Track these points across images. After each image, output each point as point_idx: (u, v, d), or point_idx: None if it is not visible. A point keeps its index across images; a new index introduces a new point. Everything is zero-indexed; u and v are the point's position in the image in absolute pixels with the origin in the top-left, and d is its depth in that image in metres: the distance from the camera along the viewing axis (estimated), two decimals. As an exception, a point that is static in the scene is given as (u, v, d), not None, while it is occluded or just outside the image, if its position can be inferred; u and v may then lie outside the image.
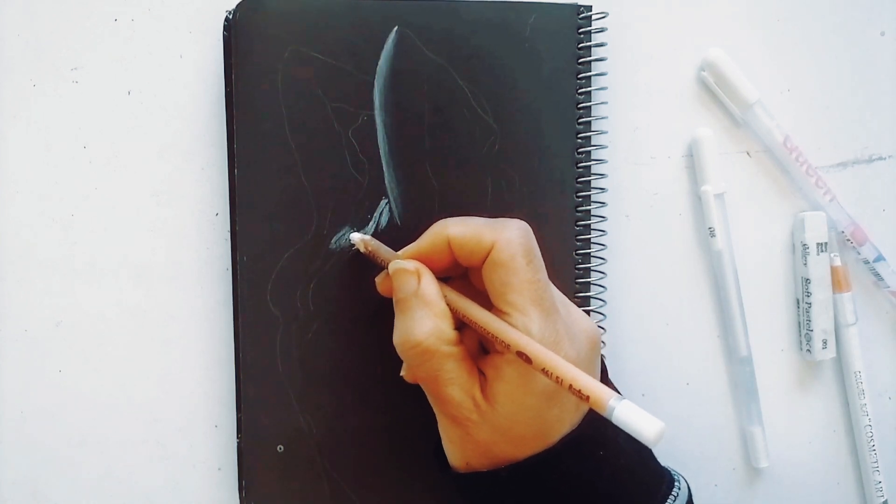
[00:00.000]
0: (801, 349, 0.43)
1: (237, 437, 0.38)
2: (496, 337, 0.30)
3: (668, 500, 0.33)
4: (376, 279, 0.36)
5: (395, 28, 0.37)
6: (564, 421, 0.31)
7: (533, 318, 0.30)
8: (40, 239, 0.39)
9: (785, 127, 0.42)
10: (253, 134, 0.37)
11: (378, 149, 0.38)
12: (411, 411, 0.39)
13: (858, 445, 0.44)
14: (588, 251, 0.40)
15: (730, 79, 0.41)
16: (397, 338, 0.32)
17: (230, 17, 0.37)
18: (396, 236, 0.37)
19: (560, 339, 0.30)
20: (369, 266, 0.38)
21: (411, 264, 0.32)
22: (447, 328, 0.31)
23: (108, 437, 0.40)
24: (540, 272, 0.31)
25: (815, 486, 0.44)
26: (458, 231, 0.32)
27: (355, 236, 0.36)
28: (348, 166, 0.37)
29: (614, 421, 0.26)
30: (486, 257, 0.31)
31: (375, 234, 0.38)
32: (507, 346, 0.30)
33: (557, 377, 0.28)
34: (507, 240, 0.31)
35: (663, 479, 0.34)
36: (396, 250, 0.36)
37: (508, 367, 0.30)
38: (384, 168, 0.38)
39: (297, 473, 0.38)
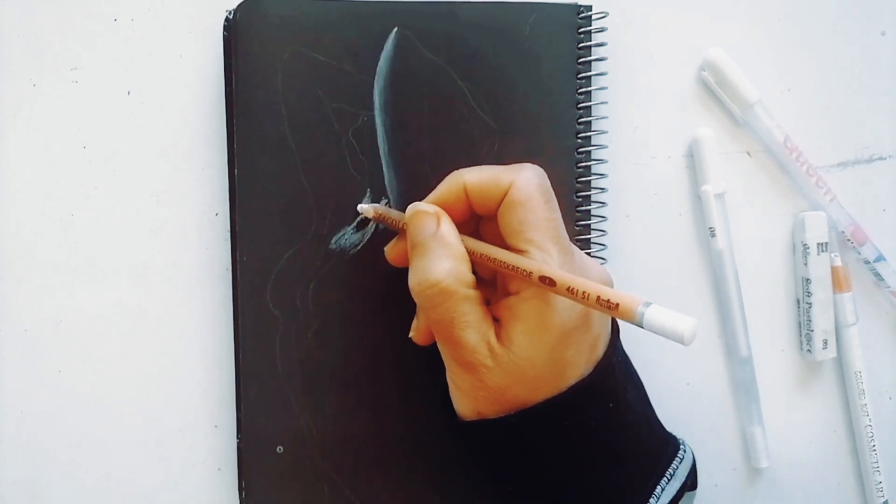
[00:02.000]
0: (802, 349, 0.43)
1: (237, 438, 0.38)
2: (517, 268, 0.30)
3: (674, 463, 0.34)
4: (386, 248, 0.36)
5: (395, 29, 0.37)
6: (578, 364, 0.31)
7: (552, 254, 0.30)
8: (40, 239, 0.39)
9: (785, 127, 0.42)
10: (253, 134, 0.37)
11: (378, 149, 0.38)
12: (411, 411, 0.39)
13: (859, 445, 0.44)
14: (588, 251, 0.40)
15: (730, 79, 0.41)
16: (414, 279, 0.32)
17: (230, 17, 0.37)
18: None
19: (577, 275, 0.30)
20: (369, 266, 0.38)
21: (430, 207, 0.33)
22: (466, 270, 0.31)
23: (108, 438, 0.40)
24: (556, 212, 0.32)
25: (815, 486, 0.44)
26: (475, 176, 0.32)
27: (363, 206, 0.36)
28: (348, 166, 0.37)
29: (645, 326, 0.26)
30: (503, 199, 0.31)
31: (375, 235, 0.38)
32: (529, 275, 0.29)
33: (584, 293, 0.28)
34: (525, 179, 0.31)
35: (668, 443, 0.35)
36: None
37: (525, 304, 0.30)
38: (384, 168, 0.38)
39: (296, 474, 0.38)
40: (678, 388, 0.43)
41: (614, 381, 0.33)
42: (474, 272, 0.32)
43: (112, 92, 0.39)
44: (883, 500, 0.44)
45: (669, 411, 0.40)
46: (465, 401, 0.32)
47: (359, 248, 0.38)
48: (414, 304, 0.36)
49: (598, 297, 0.28)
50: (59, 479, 0.40)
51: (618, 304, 0.27)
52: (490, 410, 0.32)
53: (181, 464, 0.40)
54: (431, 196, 0.34)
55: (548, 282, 0.29)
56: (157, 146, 0.39)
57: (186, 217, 0.39)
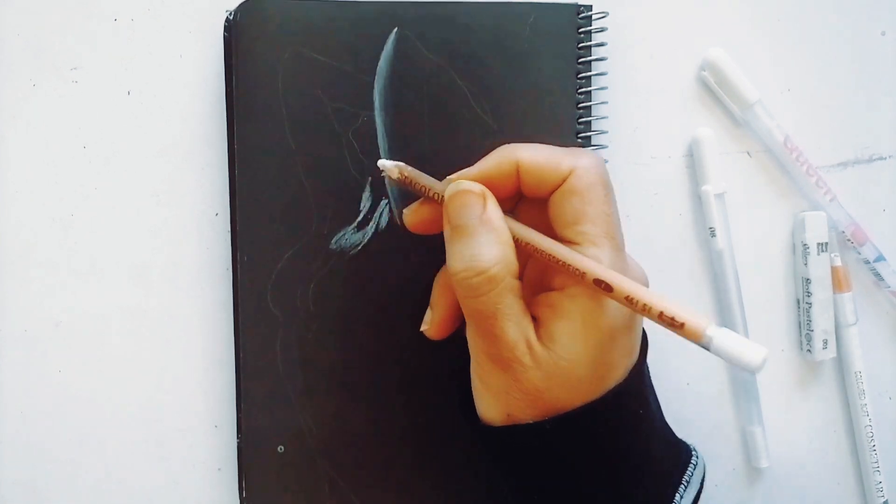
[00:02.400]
0: (802, 349, 0.43)
1: (237, 438, 0.38)
2: (569, 265, 0.28)
3: (688, 470, 0.32)
4: (406, 211, 0.33)
5: (395, 29, 0.37)
6: (620, 367, 0.30)
7: (605, 251, 0.29)
8: (40, 239, 0.39)
9: (785, 127, 0.42)
10: (253, 134, 0.37)
11: (378, 149, 0.38)
12: (412, 411, 0.39)
13: (858, 445, 0.44)
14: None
15: (730, 79, 0.41)
16: (460, 264, 0.29)
17: (230, 17, 0.37)
18: (396, 236, 0.37)
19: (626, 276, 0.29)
20: (369, 266, 0.38)
21: (477, 186, 0.30)
22: (514, 258, 0.29)
23: (108, 437, 0.40)
24: (615, 207, 0.30)
25: (815, 486, 0.44)
26: (531, 154, 0.30)
27: (386, 163, 0.32)
28: (348, 166, 0.37)
29: (713, 351, 0.25)
30: (560, 185, 0.29)
31: (375, 235, 0.38)
32: (583, 275, 0.28)
33: (645, 305, 0.26)
34: (587, 167, 0.29)
35: (682, 448, 0.34)
36: (395, 253, 0.36)
37: (571, 302, 0.29)
38: (384, 168, 0.38)
39: (297, 474, 0.38)
40: (678, 388, 0.43)
41: (644, 386, 0.31)
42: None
43: (112, 92, 0.39)
44: (883, 500, 0.44)
45: (669, 411, 0.40)
46: (496, 402, 0.30)
47: (359, 248, 0.38)
48: (416, 301, 0.36)
49: (662, 312, 0.26)
50: (59, 479, 0.40)
51: (683, 324, 0.26)
52: (523, 414, 0.30)
53: (181, 464, 0.40)
54: (476, 169, 0.31)
55: (604, 286, 0.27)
56: (157, 146, 0.39)
57: (186, 217, 0.39)
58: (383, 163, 0.32)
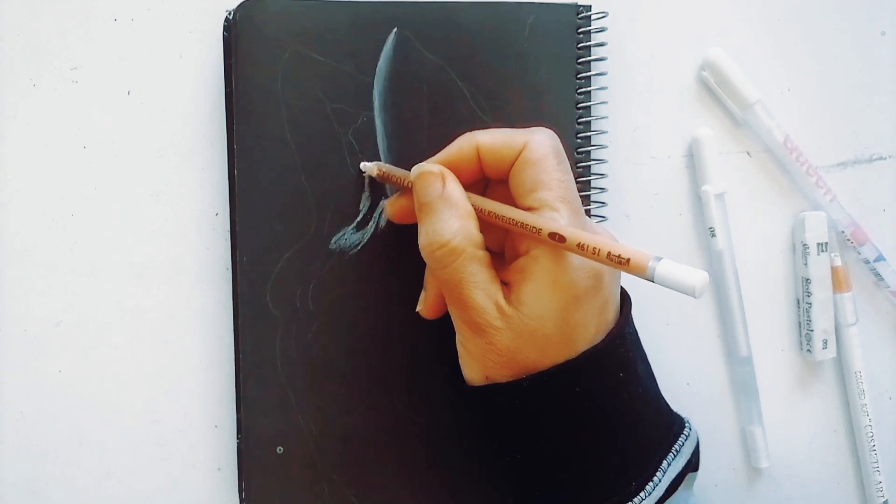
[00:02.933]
0: (802, 349, 0.43)
1: (237, 438, 0.38)
2: (526, 224, 0.30)
3: (680, 439, 0.34)
4: (387, 202, 0.36)
5: (395, 29, 0.37)
6: (588, 327, 0.31)
7: (563, 214, 0.30)
8: (40, 239, 0.39)
9: (785, 127, 0.42)
10: (253, 134, 0.37)
11: (378, 149, 0.38)
12: (412, 411, 0.39)
13: (858, 445, 0.44)
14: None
15: (730, 79, 0.41)
16: (423, 240, 0.32)
17: (230, 17, 0.37)
18: (396, 236, 0.37)
19: None
20: (369, 266, 0.38)
21: (435, 167, 0.32)
22: (474, 229, 0.31)
23: (108, 438, 0.40)
24: (568, 173, 0.32)
25: (815, 486, 0.44)
26: (488, 138, 0.32)
27: (367, 165, 0.36)
28: (348, 166, 0.37)
29: (657, 280, 0.27)
30: (516, 160, 0.32)
31: (375, 235, 0.38)
32: (538, 231, 0.29)
33: (594, 248, 0.28)
34: (538, 140, 0.32)
35: (674, 420, 0.35)
36: (394, 253, 0.36)
37: (535, 264, 0.30)
38: (384, 168, 0.38)
39: (296, 474, 0.38)
40: (678, 388, 0.43)
41: (625, 352, 0.32)
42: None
43: (112, 92, 0.39)
44: (883, 500, 0.44)
45: (669, 411, 0.40)
46: (474, 365, 0.32)
47: (359, 248, 0.38)
48: (416, 301, 0.36)
49: (609, 252, 0.28)
50: (59, 479, 0.40)
51: (629, 259, 0.27)
52: (499, 374, 0.31)
53: (181, 464, 0.40)
54: (441, 156, 0.33)
55: (557, 238, 0.29)
56: (157, 146, 0.39)
57: (186, 217, 0.39)
58: (364, 165, 0.36)
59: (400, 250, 0.37)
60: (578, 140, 0.39)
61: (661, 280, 0.27)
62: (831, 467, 0.45)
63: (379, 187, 0.38)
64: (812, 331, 0.42)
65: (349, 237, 0.38)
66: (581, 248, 0.28)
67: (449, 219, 0.31)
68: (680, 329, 0.42)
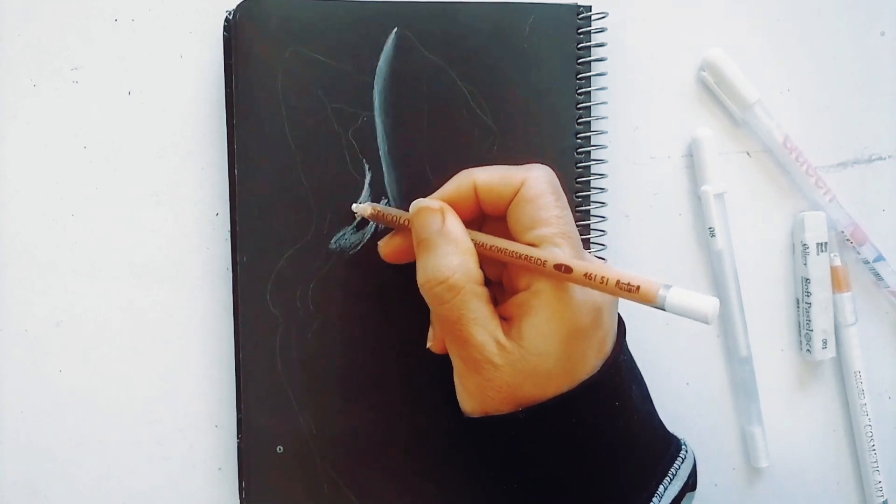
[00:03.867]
0: (801, 349, 0.43)
1: (237, 438, 0.38)
2: (530, 257, 0.30)
3: (676, 462, 0.33)
4: (380, 242, 0.36)
5: (395, 29, 0.37)
6: (588, 360, 0.31)
7: (564, 249, 0.30)
8: (40, 239, 0.39)
9: (785, 127, 0.42)
10: (253, 134, 0.37)
11: (378, 149, 0.38)
12: (411, 411, 0.39)
13: (858, 445, 0.44)
14: (588, 251, 0.40)
15: (730, 79, 0.41)
16: (422, 276, 0.31)
17: (230, 17, 0.37)
18: (396, 236, 0.37)
19: None
20: (369, 266, 0.38)
21: (435, 203, 0.32)
22: (474, 265, 0.31)
23: (108, 438, 0.40)
24: (567, 210, 0.32)
25: (815, 486, 0.44)
26: (486, 175, 0.32)
27: (359, 206, 0.36)
28: (348, 166, 0.37)
29: (668, 308, 0.27)
30: (514, 198, 0.31)
31: (375, 235, 0.38)
32: (543, 263, 0.29)
33: (602, 278, 0.28)
34: (536, 177, 0.32)
35: (670, 443, 0.34)
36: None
37: (537, 299, 0.30)
38: (384, 168, 0.38)
39: (296, 474, 0.38)
40: (678, 388, 0.43)
41: (621, 379, 0.32)
42: (481, 269, 0.32)
43: (112, 92, 0.39)
44: (882, 499, 0.44)
45: (669, 411, 0.40)
46: (473, 400, 0.32)
47: (359, 248, 0.38)
48: (415, 301, 0.36)
49: (619, 280, 0.28)
50: (59, 479, 0.40)
51: (638, 287, 0.27)
52: (498, 409, 0.31)
53: (181, 464, 0.40)
54: (439, 193, 0.33)
55: (563, 269, 0.29)
56: (157, 146, 0.39)
57: (186, 217, 0.39)
58: (356, 207, 0.36)
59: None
60: (578, 140, 0.39)
61: (672, 308, 0.26)
62: (831, 467, 0.45)
63: (379, 187, 0.38)
64: (812, 331, 0.42)
65: (349, 237, 0.38)
66: (589, 278, 0.28)
67: (448, 255, 0.31)
68: (680, 329, 0.42)
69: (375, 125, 0.37)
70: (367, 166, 0.38)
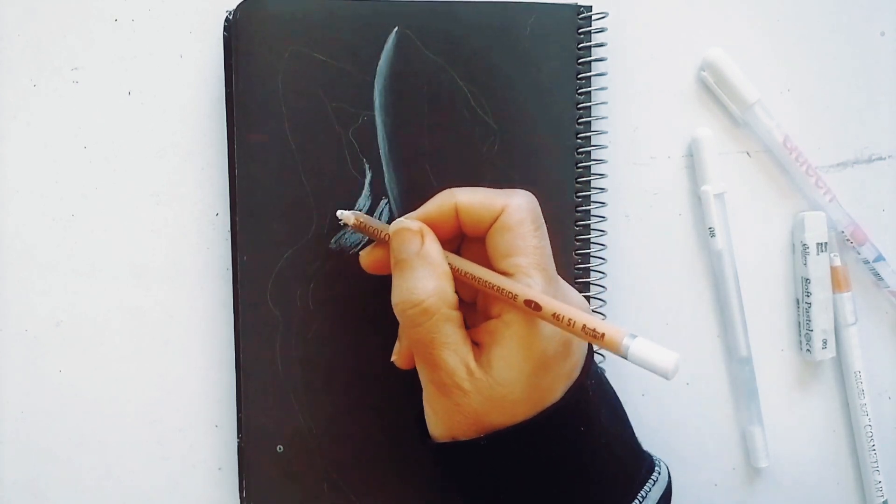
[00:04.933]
0: (801, 349, 0.43)
1: (237, 438, 0.38)
2: (502, 289, 0.30)
3: (647, 485, 0.33)
4: (361, 253, 0.35)
5: (395, 29, 0.37)
6: (555, 390, 0.31)
7: (537, 281, 0.30)
8: (40, 239, 0.39)
9: (785, 127, 0.42)
10: (253, 134, 0.37)
11: (378, 149, 0.38)
12: (411, 412, 0.39)
13: (858, 445, 0.44)
14: (588, 251, 0.40)
15: (730, 79, 0.41)
16: (396, 297, 0.31)
17: (230, 17, 0.37)
18: (396, 236, 0.37)
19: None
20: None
21: (415, 224, 0.32)
22: (449, 289, 0.31)
23: (108, 438, 0.40)
24: (545, 240, 0.32)
25: (815, 486, 0.44)
26: (468, 198, 0.32)
27: (344, 213, 0.35)
28: (348, 166, 0.37)
29: (630, 359, 0.27)
30: (494, 222, 0.31)
31: (375, 234, 0.38)
32: (514, 297, 0.29)
33: (569, 320, 0.28)
34: (517, 205, 0.31)
35: (643, 463, 0.34)
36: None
37: (507, 329, 0.30)
38: (384, 168, 0.38)
39: (296, 473, 0.38)
40: (678, 388, 0.43)
41: (587, 404, 0.32)
42: (456, 293, 0.32)
43: (112, 92, 0.39)
44: (882, 499, 0.44)
45: (669, 411, 0.40)
46: (441, 424, 0.32)
47: (359, 247, 0.38)
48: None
49: (584, 325, 0.28)
50: (59, 479, 0.40)
51: (603, 335, 0.27)
52: (465, 434, 0.31)
53: (181, 464, 0.40)
54: (420, 212, 0.33)
55: (533, 306, 0.29)
56: (157, 146, 0.39)
57: (186, 217, 0.39)
58: (341, 213, 0.35)
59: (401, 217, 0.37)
60: (578, 140, 0.39)
61: (634, 359, 0.27)
62: (831, 467, 0.45)
63: (379, 187, 0.38)
64: (812, 331, 0.42)
65: (349, 237, 0.38)
66: (556, 318, 0.29)
67: (424, 278, 0.31)
68: (680, 329, 0.42)
69: (376, 125, 0.37)
70: (367, 166, 0.38)
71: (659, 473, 0.34)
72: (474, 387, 0.30)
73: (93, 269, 0.39)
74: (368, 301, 0.38)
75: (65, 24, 0.38)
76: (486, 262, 0.32)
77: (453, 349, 0.30)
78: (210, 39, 0.39)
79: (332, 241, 0.38)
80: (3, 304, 0.39)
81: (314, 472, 0.38)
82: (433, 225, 0.32)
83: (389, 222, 0.37)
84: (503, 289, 0.30)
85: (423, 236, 0.32)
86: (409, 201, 0.38)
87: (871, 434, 0.43)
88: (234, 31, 0.37)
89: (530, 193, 0.32)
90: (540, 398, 0.31)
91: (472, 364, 0.30)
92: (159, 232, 0.39)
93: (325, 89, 0.37)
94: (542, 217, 0.32)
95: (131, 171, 0.39)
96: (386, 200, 0.38)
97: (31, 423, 0.39)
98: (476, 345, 0.31)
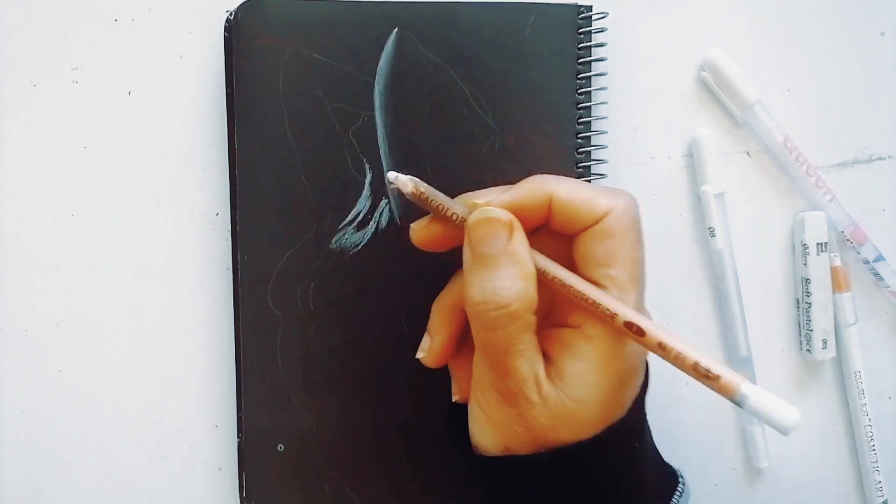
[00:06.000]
0: (801, 349, 0.43)
1: (237, 437, 0.38)
2: (598, 305, 0.27)
3: (675, 496, 0.32)
4: (414, 226, 0.31)
5: (395, 29, 0.37)
6: (625, 407, 0.29)
7: (631, 296, 0.28)
8: (40, 239, 0.39)
9: (785, 127, 0.42)
10: (253, 134, 0.37)
11: (378, 149, 0.38)
12: (412, 410, 0.39)
13: (858, 445, 0.44)
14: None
15: (730, 79, 0.41)
16: (478, 296, 0.28)
17: (231, 17, 0.37)
18: (397, 236, 0.37)
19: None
20: (370, 266, 0.38)
21: (504, 215, 0.28)
22: (534, 292, 0.28)
23: (108, 437, 0.40)
24: (644, 252, 0.29)
25: (815, 486, 0.44)
26: (567, 190, 0.29)
27: (400, 177, 0.30)
28: (348, 166, 0.37)
29: (746, 409, 0.25)
30: (593, 225, 0.28)
31: (375, 235, 0.38)
32: (613, 316, 0.27)
33: (678, 354, 0.26)
34: (625, 209, 0.28)
35: (669, 475, 0.33)
36: (394, 252, 0.36)
37: (587, 343, 0.28)
38: (384, 168, 0.38)
39: (297, 473, 0.38)
40: (678, 389, 0.43)
41: (641, 420, 0.31)
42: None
43: (112, 92, 0.39)
44: (882, 499, 0.44)
45: (669, 411, 0.40)
46: (495, 434, 0.30)
47: (359, 248, 0.38)
48: (416, 301, 0.36)
49: (697, 364, 0.26)
50: (59, 479, 0.40)
51: (719, 377, 0.25)
52: (520, 448, 0.29)
53: (181, 464, 0.40)
54: (507, 198, 0.29)
55: (635, 329, 0.27)
56: (157, 146, 0.39)
57: (186, 217, 0.39)
58: (396, 176, 0.30)
59: (400, 250, 0.37)
60: (578, 140, 0.39)
61: (751, 409, 0.25)
62: (831, 467, 0.45)
63: (379, 187, 0.38)
64: (812, 331, 0.42)
65: (349, 237, 0.38)
66: (662, 349, 0.26)
67: (511, 278, 0.27)
68: (680, 329, 0.42)
69: (376, 125, 0.37)
70: (367, 166, 0.38)
71: (683, 485, 0.33)
72: (542, 399, 0.28)
73: (93, 269, 0.39)
74: (368, 301, 0.38)
75: (65, 24, 0.38)
76: (560, 258, 0.29)
77: (528, 357, 0.28)
78: (210, 39, 0.39)
79: (332, 241, 0.38)
80: (3, 304, 0.39)
81: (315, 472, 0.38)
82: (518, 214, 0.29)
83: (390, 223, 0.38)
84: (599, 304, 0.27)
85: (511, 230, 0.28)
86: (410, 201, 0.38)
87: (871, 434, 0.43)
88: (235, 32, 0.37)
89: (634, 196, 0.30)
90: (610, 415, 0.29)
91: (542, 375, 0.28)
92: (159, 232, 0.39)
93: (325, 90, 0.37)
94: (642, 224, 0.29)
95: (131, 171, 0.39)
96: (386, 200, 0.38)
97: (31, 423, 0.39)
98: (542, 353, 0.29)
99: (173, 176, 0.39)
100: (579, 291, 0.28)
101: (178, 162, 0.39)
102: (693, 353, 0.26)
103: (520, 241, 0.28)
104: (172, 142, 0.39)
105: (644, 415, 0.31)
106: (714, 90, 0.41)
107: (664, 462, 0.34)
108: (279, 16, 0.37)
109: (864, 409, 0.43)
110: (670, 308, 0.42)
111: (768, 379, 0.43)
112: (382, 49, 0.37)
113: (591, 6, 0.39)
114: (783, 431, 0.25)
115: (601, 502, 0.30)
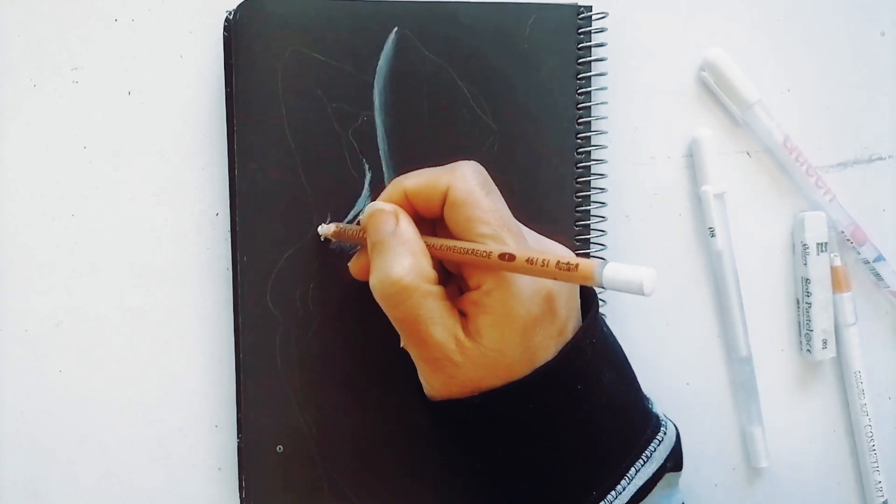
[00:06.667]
0: (801, 349, 0.43)
1: (237, 438, 0.38)
2: (476, 251, 0.30)
3: (652, 445, 0.33)
4: (350, 263, 0.36)
5: (395, 29, 0.37)
6: (548, 348, 0.31)
7: (507, 241, 0.30)
8: (40, 239, 0.39)
9: (785, 127, 0.42)
10: (253, 134, 0.37)
11: (378, 149, 0.38)
12: (411, 411, 0.39)
13: (858, 445, 0.44)
14: (588, 251, 0.40)
15: (730, 79, 0.41)
16: (374, 279, 0.31)
17: (230, 17, 0.37)
18: (396, 236, 0.37)
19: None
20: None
21: (388, 206, 0.32)
22: (427, 265, 0.31)
23: (108, 437, 0.40)
24: (500, 201, 0.32)
25: (815, 486, 0.44)
26: (413, 181, 0.32)
27: (322, 227, 0.36)
28: (348, 166, 0.37)
29: (605, 285, 0.26)
30: (444, 201, 0.31)
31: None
32: (489, 255, 0.29)
33: (543, 261, 0.28)
34: (461, 176, 0.31)
35: (648, 423, 0.34)
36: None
37: (487, 297, 0.30)
38: (384, 168, 0.38)
39: (296, 473, 0.38)
40: (678, 388, 0.43)
41: (585, 364, 0.32)
42: (445, 271, 0.32)
43: (112, 92, 0.39)
44: (882, 499, 0.44)
45: (669, 411, 0.40)
46: (441, 390, 0.33)
47: (359, 248, 0.38)
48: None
49: (558, 262, 0.28)
50: (59, 479, 0.40)
51: (577, 265, 0.27)
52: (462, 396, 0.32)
53: (181, 464, 0.40)
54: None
55: (507, 258, 0.29)
56: (157, 146, 0.39)
57: (186, 217, 0.39)
58: (321, 228, 0.37)
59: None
60: (578, 140, 0.39)
61: (610, 284, 0.26)
62: (831, 467, 0.45)
63: (379, 187, 0.38)
64: (812, 331, 0.42)
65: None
66: (530, 263, 0.28)
67: (400, 255, 0.31)
68: (680, 329, 0.42)
69: (375, 125, 0.37)
70: (367, 166, 0.38)
71: (665, 433, 0.34)
72: (466, 357, 0.31)
73: (93, 269, 0.39)
74: (368, 301, 0.38)
75: (65, 24, 0.38)
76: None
77: (439, 323, 0.30)
78: (210, 39, 0.39)
79: (333, 241, 0.38)
80: (3, 304, 0.39)
81: (314, 473, 0.38)
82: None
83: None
84: (477, 251, 0.30)
85: (397, 216, 0.32)
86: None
87: (871, 434, 0.43)
88: (234, 31, 0.37)
89: (472, 161, 0.32)
90: (532, 358, 0.31)
91: (461, 334, 0.31)
92: (159, 232, 0.39)
93: (325, 89, 0.37)
94: (490, 180, 0.32)
95: (131, 171, 0.39)
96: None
97: (31, 423, 0.39)
98: (463, 316, 0.31)
99: (173, 176, 0.39)
100: (460, 248, 0.31)
101: (178, 162, 0.39)
102: (553, 255, 0.28)
103: (405, 223, 0.32)
104: (172, 142, 0.39)
105: (590, 360, 0.33)
106: (714, 90, 0.41)
107: (648, 411, 0.35)
108: (279, 15, 0.37)
109: (864, 409, 0.43)
110: (670, 308, 0.42)
111: (768, 379, 0.43)
112: (382, 49, 0.37)
113: (591, 6, 0.39)
114: (641, 292, 0.25)
115: (546, 444, 0.32)
